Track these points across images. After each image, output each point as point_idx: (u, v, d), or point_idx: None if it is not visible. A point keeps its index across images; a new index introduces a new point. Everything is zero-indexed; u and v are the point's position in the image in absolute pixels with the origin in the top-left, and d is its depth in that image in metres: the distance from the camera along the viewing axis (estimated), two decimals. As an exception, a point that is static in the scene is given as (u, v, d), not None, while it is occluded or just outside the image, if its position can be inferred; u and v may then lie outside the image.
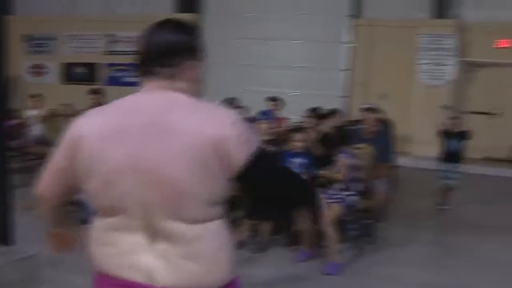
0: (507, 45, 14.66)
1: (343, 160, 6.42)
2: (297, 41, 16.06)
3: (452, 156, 9.21)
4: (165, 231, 2.05)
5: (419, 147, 14.64)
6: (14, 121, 9.41)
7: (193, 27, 2.23)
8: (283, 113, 10.63)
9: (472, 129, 9.37)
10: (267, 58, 16.28)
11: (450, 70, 14.76)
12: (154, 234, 2.07)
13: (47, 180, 2.26)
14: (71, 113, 10.37)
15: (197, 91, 2.21)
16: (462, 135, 9.16)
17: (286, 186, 2.19)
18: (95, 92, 10.04)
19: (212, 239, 2.11)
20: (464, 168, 9.58)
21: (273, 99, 10.31)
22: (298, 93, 15.45)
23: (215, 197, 2.08)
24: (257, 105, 10.62)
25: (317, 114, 8.53)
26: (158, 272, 2.06)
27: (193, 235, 2.07)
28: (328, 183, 6.46)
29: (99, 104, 9.97)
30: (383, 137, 8.09)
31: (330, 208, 6.24)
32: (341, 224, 7.41)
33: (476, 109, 14.58)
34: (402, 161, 13.33)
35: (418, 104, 14.90)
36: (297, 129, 7.28)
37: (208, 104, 2.13)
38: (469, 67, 15.22)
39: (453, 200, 9.41)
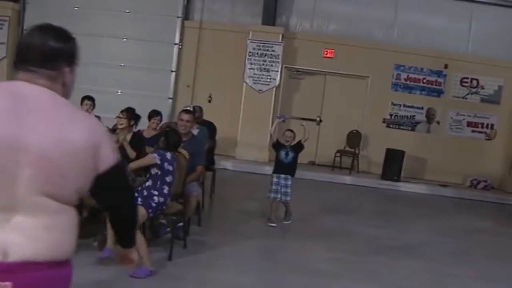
0: (331, 56, 15.21)
1: (150, 158, 6.26)
2: (127, 40, 15.67)
3: (284, 169, 8.93)
4: (29, 206, 2.15)
5: (244, 151, 14.83)
6: None
7: (72, 36, 2.41)
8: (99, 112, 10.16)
9: (300, 137, 9.02)
10: (95, 55, 15.70)
11: (276, 76, 15.01)
12: (13, 209, 2.14)
13: None
14: None
15: (68, 93, 2.41)
16: (295, 148, 8.93)
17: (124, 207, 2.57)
18: None
19: (70, 217, 2.29)
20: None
21: (90, 98, 9.73)
22: (120, 93, 15.14)
23: (81, 188, 2.30)
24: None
25: (130, 115, 8.12)
26: (13, 246, 2.11)
27: (57, 210, 2.21)
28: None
29: None
30: (197, 140, 7.94)
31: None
32: (154, 227, 7.25)
33: (300, 115, 14.93)
34: (225, 164, 13.45)
35: (245, 108, 15.03)
36: (111, 131, 7.01)
37: (80, 110, 2.45)
38: (295, 74, 15.62)
39: (291, 213, 9.19)
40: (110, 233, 6.09)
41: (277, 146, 9.02)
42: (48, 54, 2.30)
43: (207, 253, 7.09)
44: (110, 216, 2.65)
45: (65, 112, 2.29)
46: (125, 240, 2.74)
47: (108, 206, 2.59)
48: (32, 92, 2.25)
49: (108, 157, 2.36)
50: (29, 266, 2.14)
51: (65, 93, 2.38)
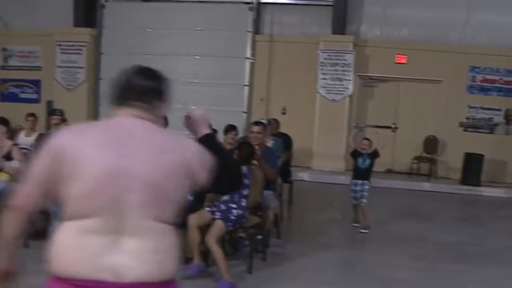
0: (404, 61, 15.06)
1: None
2: (200, 57, 15.96)
3: (361, 174, 9.23)
4: (140, 230, 2.41)
5: (320, 161, 14.82)
6: None
7: (163, 75, 2.75)
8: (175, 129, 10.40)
9: (376, 144, 9.36)
10: (169, 73, 15.92)
11: (349, 85, 14.98)
12: (124, 233, 2.39)
13: (28, 190, 2.50)
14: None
15: (161, 123, 2.72)
16: (372, 155, 9.21)
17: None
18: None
19: (172, 238, 2.55)
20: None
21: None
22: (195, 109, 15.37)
23: (181, 204, 2.59)
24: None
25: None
26: (126, 268, 2.35)
27: (162, 232, 2.48)
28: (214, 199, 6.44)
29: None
30: (270, 151, 7.97)
31: (214, 224, 6.12)
32: (233, 240, 7.34)
33: (375, 123, 14.86)
34: (302, 175, 13.49)
35: (319, 119, 15.06)
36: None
37: (173, 132, 2.72)
38: (367, 82, 15.55)
39: (370, 218, 9.29)
40: (195, 249, 6.23)
41: (355, 154, 9.31)
42: (143, 91, 2.63)
43: (287, 266, 7.14)
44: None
45: (159, 138, 2.60)
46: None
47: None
48: (132, 125, 2.57)
49: (205, 171, 2.64)
50: (140, 286, 2.39)
51: (158, 122, 2.68)
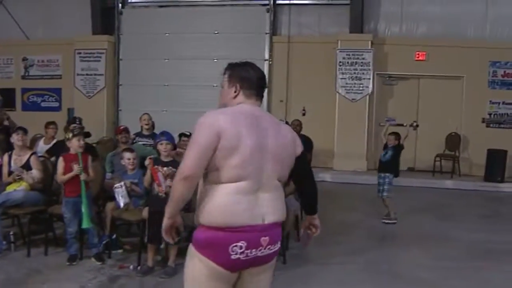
0: (423, 58, 14.93)
1: None
2: (217, 60, 15.90)
3: (381, 167, 9.62)
4: (270, 187, 3.23)
5: (342, 161, 14.74)
6: None
7: None
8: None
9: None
10: (188, 78, 16.12)
11: (368, 83, 14.89)
12: (261, 190, 3.19)
13: (193, 159, 3.09)
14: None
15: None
16: (394, 148, 9.50)
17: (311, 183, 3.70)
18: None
19: (282, 189, 3.37)
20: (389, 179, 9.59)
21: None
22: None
23: (291, 168, 3.41)
24: (178, 126, 10.07)
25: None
26: (267, 214, 3.20)
27: (279, 186, 3.31)
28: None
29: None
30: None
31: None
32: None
33: (396, 121, 14.73)
34: (324, 176, 13.41)
35: (339, 118, 15.00)
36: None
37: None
38: (387, 81, 15.44)
39: (390, 214, 9.60)
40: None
41: (384, 148, 9.71)
42: (263, 83, 3.41)
43: (307, 268, 7.05)
44: (300, 190, 3.84)
45: (275, 122, 3.41)
46: (310, 209, 3.79)
47: (299, 182, 3.67)
48: (260, 112, 3.34)
49: (299, 146, 3.49)
50: (274, 225, 3.27)
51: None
